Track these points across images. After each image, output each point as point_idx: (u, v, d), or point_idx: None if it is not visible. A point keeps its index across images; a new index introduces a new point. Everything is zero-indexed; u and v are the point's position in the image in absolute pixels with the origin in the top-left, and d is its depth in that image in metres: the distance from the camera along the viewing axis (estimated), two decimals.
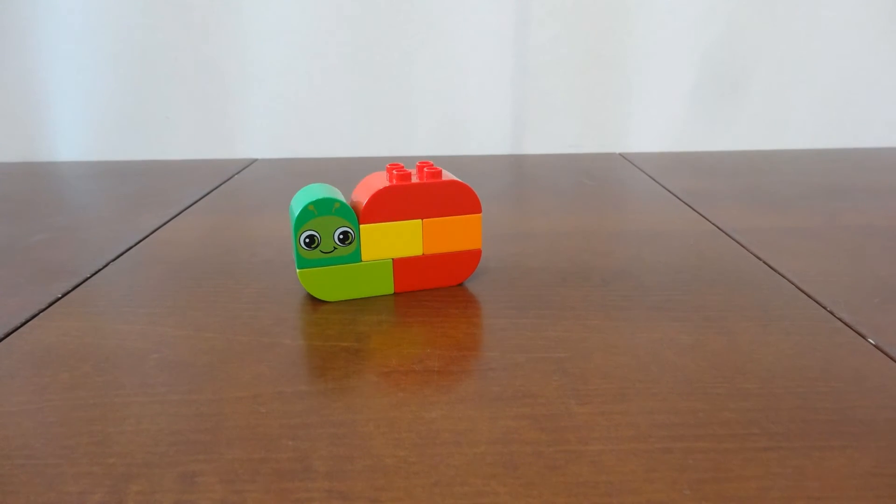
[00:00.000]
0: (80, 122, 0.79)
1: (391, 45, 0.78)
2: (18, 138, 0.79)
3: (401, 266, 0.37)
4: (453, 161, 0.77)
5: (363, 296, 0.37)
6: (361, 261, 0.36)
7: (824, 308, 0.36)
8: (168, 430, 0.25)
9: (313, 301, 0.37)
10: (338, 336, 0.33)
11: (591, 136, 0.82)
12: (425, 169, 0.36)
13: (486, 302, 0.37)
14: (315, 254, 0.35)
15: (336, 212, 0.35)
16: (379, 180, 0.36)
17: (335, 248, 0.35)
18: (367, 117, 0.80)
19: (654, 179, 0.67)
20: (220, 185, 0.66)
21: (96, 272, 0.42)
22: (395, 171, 0.36)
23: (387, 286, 0.37)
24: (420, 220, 0.36)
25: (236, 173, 0.72)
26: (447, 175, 0.37)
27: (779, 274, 0.41)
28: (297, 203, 0.35)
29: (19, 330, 0.34)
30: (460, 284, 0.39)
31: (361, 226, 0.35)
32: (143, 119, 0.79)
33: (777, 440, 0.24)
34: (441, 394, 0.27)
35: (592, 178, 0.68)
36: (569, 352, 0.31)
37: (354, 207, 0.36)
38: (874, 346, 0.31)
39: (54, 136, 0.79)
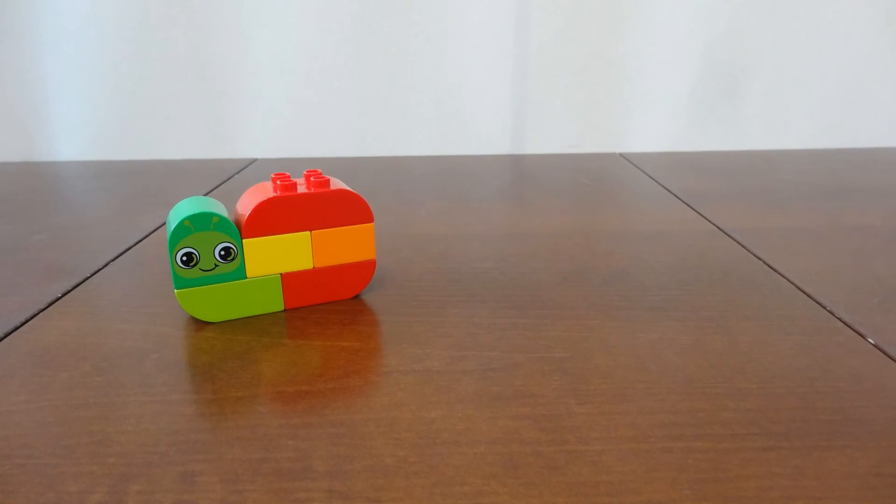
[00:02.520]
0: (79, 122, 0.79)
1: (391, 44, 0.78)
2: (18, 138, 0.79)
3: (290, 281, 0.35)
4: (453, 161, 0.77)
5: (250, 314, 0.35)
6: (246, 277, 0.34)
7: (824, 308, 0.36)
8: (168, 429, 0.25)
9: None
10: (338, 336, 0.33)
11: (591, 135, 0.82)
12: (312, 178, 0.35)
13: (486, 301, 0.37)
14: (194, 272, 0.33)
15: (215, 227, 0.32)
16: (263, 191, 0.34)
17: (216, 266, 0.33)
18: (367, 117, 0.80)
19: (654, 179, 0.67)
20: (220, 184, 0.66)
21: (96, 272, 0.42)
22: (279, 181, 0.34)
23: (276, 303, 0.35)
24: (308, 233, 0.35)
25: (236, 173, 0.72)
26: (336, 184, 0.36)
27: (778, 274, 0.41)
28: (173, 218, 0.33)
29: (19, 329, 0.34)
30: (357, 296, 0.37)
31: (244, 240, 0.33)
32: (143, 119, 0.79)
33: (777, 440, 0.24)
34: (441, 394, 0.27)
35: (592, 177, 0.68)
36: (569, 352, 0.31)
37: (237, 221, 0.34)
38: (874, 345, 0.31)
39: (54, 136, 0.79)
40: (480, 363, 0.30)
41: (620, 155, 0.81)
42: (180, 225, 0.32)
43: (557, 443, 0.24)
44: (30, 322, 0.35)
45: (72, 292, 0.39)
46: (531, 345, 0.32)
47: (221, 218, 0.32)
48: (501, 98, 0.80)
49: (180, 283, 0.33)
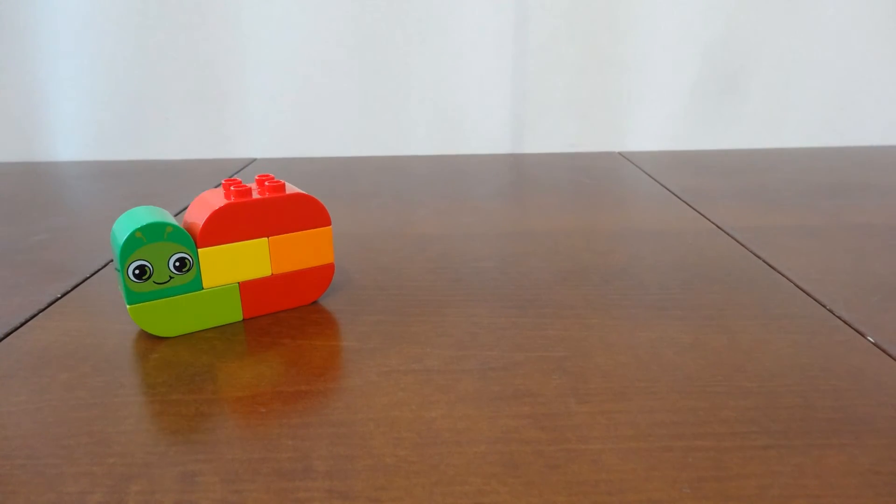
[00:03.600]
0: (79, 123, 0.79)
1: (391, 44, 0.78)
2: (18, 138, 0.79)
3: (248, 289, 0.34)
4: (453, 161, 0.77)
5: (208, 326, 0.33)
6: (203, 288, 0.33)
7: (824, 306, 0.36)
8: (168, 429, 0.25)
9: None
10: (337, 335, 0.33)
11: (590, 134, 0.82)
12: (266, 182, 0.34)
13: (486, 301, 0.37)
14: (148, 286, 0.31)
15: (169, 237, 0.31)
16: (215, 198, 0.33)
17: (171, 278, 0.31)
18: (367, 117, 0.80)
19: (654, 178, 0.67)
20: (220, 184, 0.66)
21: (96, 272, 0.42)
22: (232, 187, 0.33)
23: (234, 313, 0.34)
24: (266, 239, 0.33)
25: (236, 173, 0.72)
26: (291, 188, 0.35)
27: (778, 272, 0.41)
28: (122, 230, 0.31)
29: (19, 330, 0.34)
30: (315, 302, 0.37)
31: (200, 250, 0.32)
32: (142, 119, 0.79)
33: (777, 438, 0.24)
34: (441, 393, 0.27)
35: (592, 177, 0.68)
36: (569, 351, 0.31)
37: (190, 230, 0.32)
38: (873, 344, 0.31)
39: (54, 137, 0.79)
40: (480, 362, 0.30)
41: (620, 154, 0.81)
42: (131, 237, 0.30)
43: (557, 442, 0.24)
44: (30, 322, 0.35)
45: (71, 292, 0.39)
46: (531, 344, 0.32)
47: (175, 227, 0.31)
48: (501, 98, 0.80)
49: (133, 298, 0.31)
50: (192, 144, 0.80)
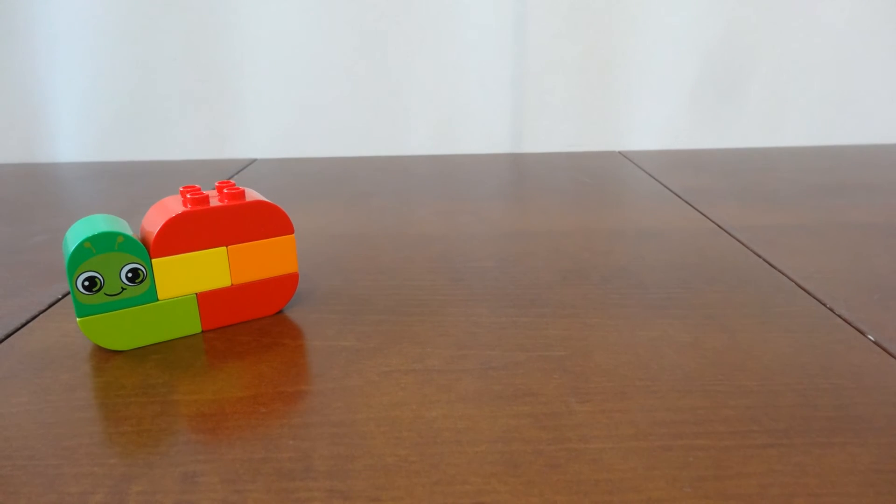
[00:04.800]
0: (79, 123, 0.79)
1: (390, 44, 0.78)
2: (18, 139, 0.79)
3: (207, 301, 0.33)
4: (453, 161, 0.77)
5: (164, 339, 0.32)
6: (158, 300, 0.31)
7: (824, 305, 0.36)
8: (168, 430, 0.25)
9: (315, 299, 0.37)
10: (338, 336, 0.33)
11: (590, 134, 0.82)
12: (225, 189, 0.33)
13: (486, 300, 0.37)
14: (99, 298, 0.30)
15: (120, 247, 0.30)
16: (172, 206, 0.32)
17: (123, 289, 0.30)
18: (367, 117, 0.80)
19: (654, 178, 0.67)
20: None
21: None
22: (189, 195, 0.32)
23: (192, 325, 0.33)
24: (224, 248, 0.32)
25: (236, 173, 0.72)
26: (252, 195, 0.34)
27: (778, 271, 0.41)
28: (71, 239, 0.30)
29: (20, 331, 0.34)
30: (280, 312, 0.36)
31: (154, 260, 0.31)
32: (142, 120, 0.79)
33: (777, 437, 0.24)
34: (441, 393, 0.27)
35: (592, 176, 0.68)
36: (569, 350, 0.31)
37: (145, 239, 0.32)
38: (874, 342, 0.31)
39: (54, 138, 0.79)
40: (481, 362, 0.30)
41: (620, 153, 0.81)
42: (80, 247, 0.29)
43: (558, 441, 0.24)
44: (30, 323, 0.35)
45: None
46: (531, 343, 0.32)
47: (126, 237, 0.30)
48: (501, 97, 0.80)
49: (83, 310, 0.30)
50: (192, 145, 0.80)
